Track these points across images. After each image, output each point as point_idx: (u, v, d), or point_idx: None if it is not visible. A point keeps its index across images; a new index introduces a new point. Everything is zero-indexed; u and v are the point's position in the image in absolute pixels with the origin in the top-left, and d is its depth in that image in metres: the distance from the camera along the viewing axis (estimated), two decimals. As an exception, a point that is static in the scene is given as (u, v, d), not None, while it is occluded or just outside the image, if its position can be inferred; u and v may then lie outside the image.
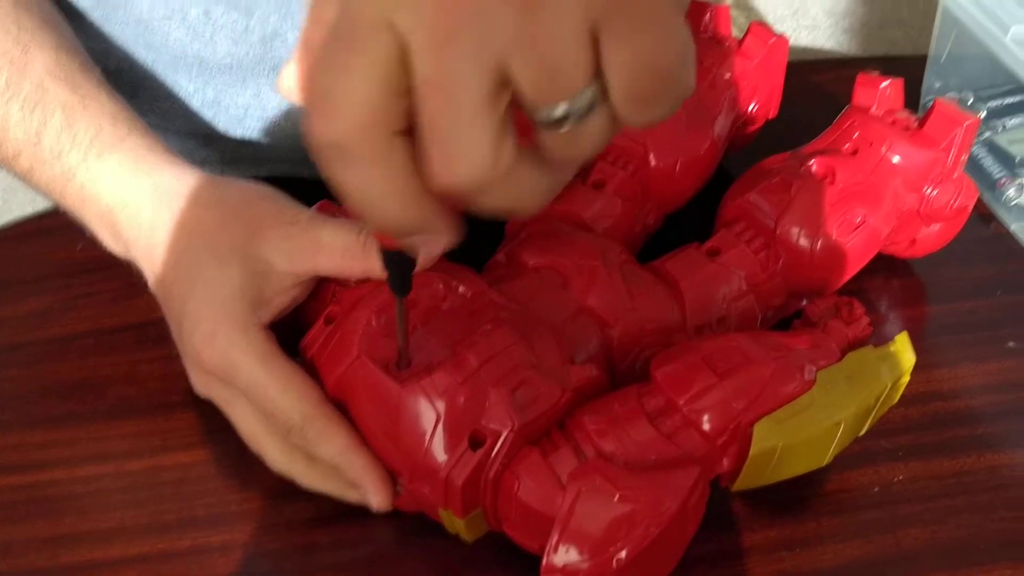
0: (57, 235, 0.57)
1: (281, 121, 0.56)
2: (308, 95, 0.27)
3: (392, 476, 0.41)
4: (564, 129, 0.26)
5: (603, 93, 0.26)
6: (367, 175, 0.27)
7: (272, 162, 0.60)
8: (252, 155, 0.59)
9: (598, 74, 0.26)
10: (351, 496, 0.42)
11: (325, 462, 0.41)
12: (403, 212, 0.27)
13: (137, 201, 0.44)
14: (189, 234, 0.43)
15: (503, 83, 0.25)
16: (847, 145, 0.47)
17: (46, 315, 0.54)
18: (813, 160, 0.46)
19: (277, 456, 0.43)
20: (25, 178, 0.47)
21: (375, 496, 0.40)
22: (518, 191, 0.27)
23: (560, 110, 0.26)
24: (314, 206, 0.47)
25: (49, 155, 0.45)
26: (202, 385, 0.44)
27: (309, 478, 0.43)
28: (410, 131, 0.27)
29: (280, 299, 0.43)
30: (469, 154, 0.26)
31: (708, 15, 0.54)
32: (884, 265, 0.51)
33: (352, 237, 0.41)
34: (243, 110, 0.56)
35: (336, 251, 0.42)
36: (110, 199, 0.44)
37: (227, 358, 0.41)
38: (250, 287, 0.42)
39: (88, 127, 0.45)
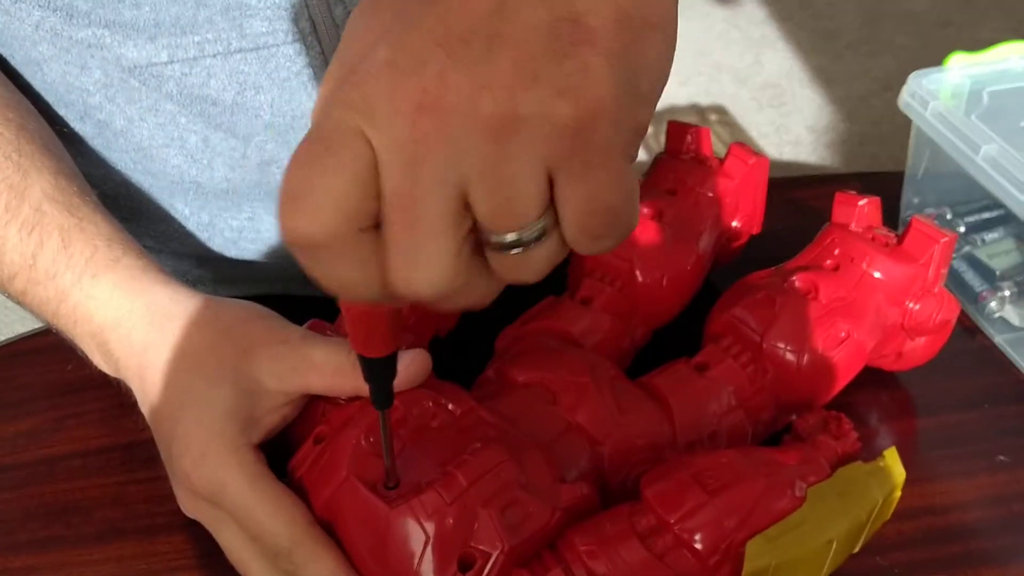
0: (46, 355, 0.57)
1: (274, 243, 0.57)
2: (283, 190, 0.28)
3: None
4: (513, 253, 0.28)
5: (554, 222, 0.28)
6: (336, 266, 0.28)
7: (265, 281, 0.60)
8: (246, 275, 0.60)
9: (550, 206, 0.27)
10: None
11: None
12: (372, 296, 0.29)
13: (129, 321, 0.45)
14: (180, 355, 0.43)
15: (466, 205, 0.27)
16: (828, 261, 0.48)
17: (33, 436, 0.54)
18: (796, 276, 0.47)
19: None
20: (19, 299, 0.48)
21: None
22: (469, 298, 0.29)
23: (511, 237, 0.27)
24: (305, 324, 0.47)
25: (44, 276, 0.45)
26: (190, 507, 0.44)
27: None
28: (377, 226, 0.28)
29: (270, 418, 0.43)
30: (428, 269, 0.27)
31: (690, 136, 0.55)
32: (872, 378, 0.52)
33: (343, 356, 0.42)
34: (237, 233, 0.57)
35: (327, 370, 0.42)
36: (102, 319, 0.45)
37: (216, 479, 0.41)
38: (240, 407, 0.42)
39: (84, 249, 0.45)
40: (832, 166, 1.63)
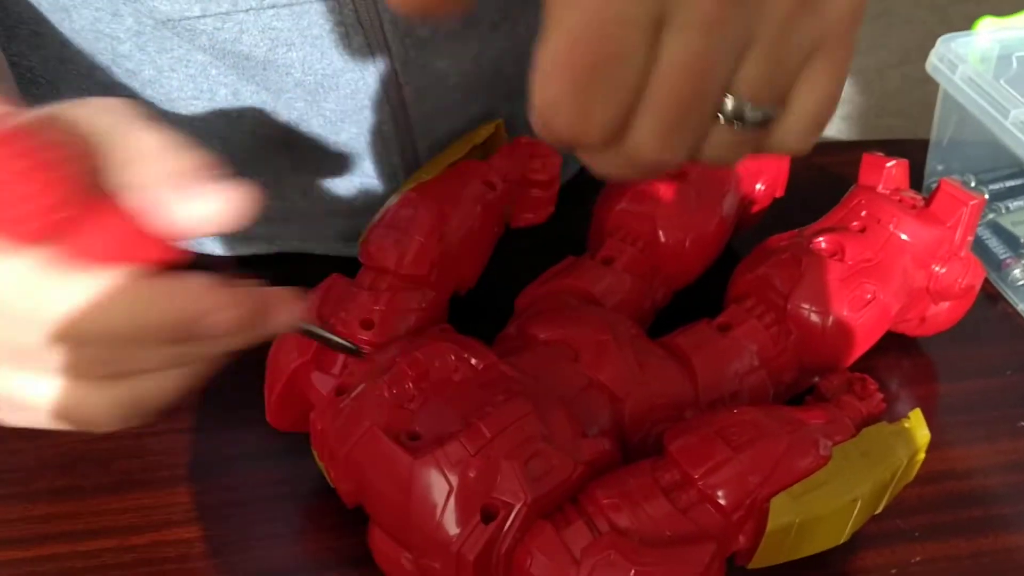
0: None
1: (297, 202, 0.57)
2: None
3: None
4: (746, 128, 0.28)
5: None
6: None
7: (284, 239, 0.60)
8: (266, 233, 0.59)
9: None
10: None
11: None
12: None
13: None
14: None
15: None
16: (855, 223, 0.48)
17: (51, 388, 0.54)
18: (822, 237, 0.47)
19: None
20: None
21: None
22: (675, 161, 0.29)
23: (756, 112, 0.28)
24: (325, 279, 0.47)
25: None
26: None
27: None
28: None
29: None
30: (690, 131, 0.27)
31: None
32: (894, 344, 0.51)
33: None
34: (262, 189, 0.56)
35: None
36: None
37: None
38: None
39: None
40: (848, 139, 1.62)
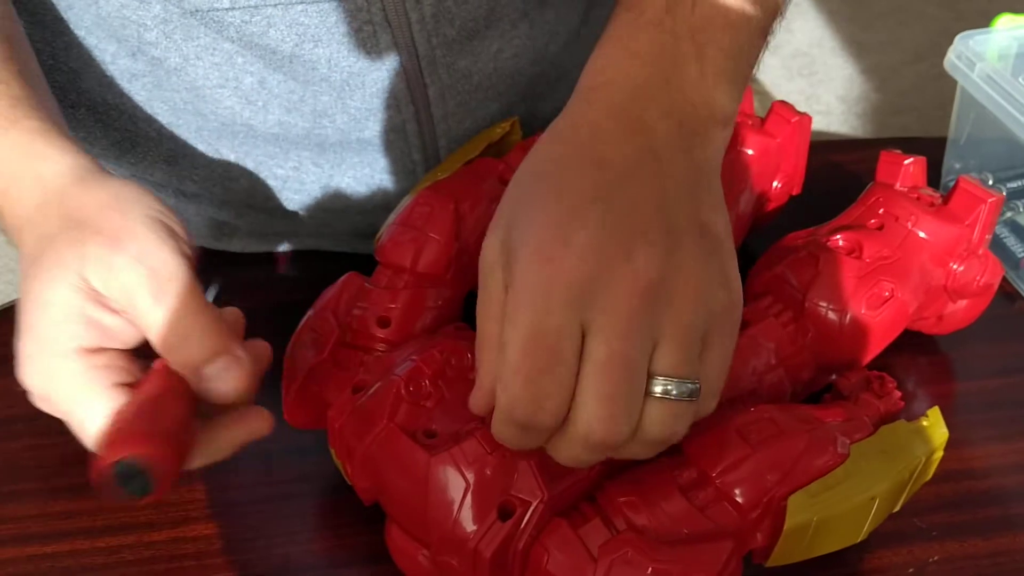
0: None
1: (318, 195, 0.57)
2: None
3: None
4: (674, 400, 0.34)
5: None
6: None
7: (301, 236, 0.60)
8: (284, 228, 0.59)
9: None
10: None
11: None
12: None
13: (16, 191, 0.41)
14: (49, 230, 0.40)
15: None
16: (873, 220, 0.48)
17: (70, 385, 0.54)
18: (840, 234, 0.46)
19: None
20: None
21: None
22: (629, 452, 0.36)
23: (683, 387, 0.34)
24: (342, 277, 0.47)
25: None
26: (36, 402, 0.40)
27: None
28: None
29: (111, 321, 0.39)
30: (629, 416, 0.35)
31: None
32: (911, 342, 0.51)
33: (177, 320, 0.38)
34: (282, 182, 0.56)
35: (149, 323, 0.38)
36: None
37: (44, 385, 0.38)
38: (79, 312, 0.38)
39: None
40: (863, 136, 1.61)
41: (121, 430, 0.35)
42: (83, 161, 0.42)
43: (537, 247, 0.35)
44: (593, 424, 0.34)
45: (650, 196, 0.36)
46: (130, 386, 0.39)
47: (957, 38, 0.59)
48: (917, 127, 1.54)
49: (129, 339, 0.40)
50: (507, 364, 0.34)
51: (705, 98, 0.39)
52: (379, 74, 0.51)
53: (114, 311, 0.39)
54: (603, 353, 0.33)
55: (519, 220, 0.36)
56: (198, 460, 0.39)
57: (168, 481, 0.35)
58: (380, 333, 0.44)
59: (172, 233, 0.40)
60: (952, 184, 0.48)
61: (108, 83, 0.53)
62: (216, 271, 0.60)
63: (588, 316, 0.34)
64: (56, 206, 0.40)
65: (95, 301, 0.38)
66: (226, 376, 0.38)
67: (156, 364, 0.39)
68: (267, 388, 0.48)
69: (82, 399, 0.38)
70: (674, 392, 0.34)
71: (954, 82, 0.59)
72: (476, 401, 0.37)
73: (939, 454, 0.41)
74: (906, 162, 0.49)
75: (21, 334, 0.39)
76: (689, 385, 0.35)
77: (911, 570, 0.43)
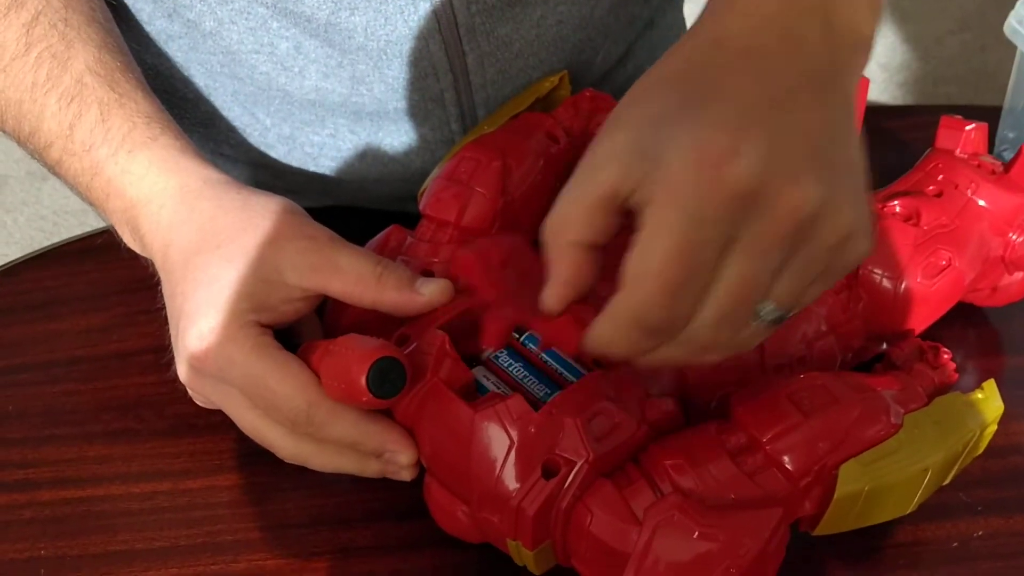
0: (117, 252, 0.57)
1: (353, 161, 0.56)
2: None
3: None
4: (767, 325, 0.35)
5: None
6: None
7: (337, 195, 0.60)
8: (320, 189, 0.59)
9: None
10: (371, 468, 0.41)
11: (337, 441, 0.41)
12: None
13: (160, 199, 0.44)
14: (203, 236, 0.43)
15: None
16: (931, 187, 0.46)
17: (106, 331, 0.54)
18: (897, 200, 0.45)
19: (284, 444, 0.42)
20: (54, 168, 0.47)
21: (404, 454, 0.40)
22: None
23: (779, 312, 0.35)
24: (386, 229, 0.47)
25: (80, 148, 0.45)
26: (195, 384, 0.44)
27: (321, 459, 0.42)
28: None
29: (284, 308, 0.42)
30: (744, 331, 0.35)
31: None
32: (961, 314, 0.50)
33: (368, 267, 0.41)
34: (318, 149, 0.56)
35: (350, 277, 0.41)
36: (134, 195, 0.44)
37: (223, 353, 0.41)
38: (255, 292, 0.41)
39: (122, 124, 0.45)
40: (905, 106, 1.58)
41: (363, 344, 0.39)
42: (224, 177, 0.45)
43: (701, 150, 0.32)
44: (703, 334, 0.34)
45: (817, 123, 0.34)
46: None
47: (1020, 2, 0.57)
48: (960, 97, 1.51)
49: (292, 319, 0.43)
50: (649, 267, 0.32)
51: (851, 22, 0.36)
52: (417, 43, 0.50)
53: (285, 298, 0.42)
54: (740, 273, 0.33)
55: (669, 119, 0.33)
56: None
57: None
58: (422, 287, 0.44)
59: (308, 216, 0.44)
60: (1005, 153, 0.47)
61: (146, 43, 0.53)
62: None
63: (737, 231, 0.32)
64: (216, 208, 0.43)
65: (271, 286, 0.41)
66: (432, 289, 0.41)
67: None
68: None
69: (272, 368, 0.40)
70: (770, 319, 0.34)
71: (1000, 53, 0.57)
72: (552, 298, 0.37)
73: (993, 428, 0.40)
74: (967, 128, 0.47)
75: (190, 306, 0.42)
76: (785, 315, 0.35)
77: (955, 544, 0.43)
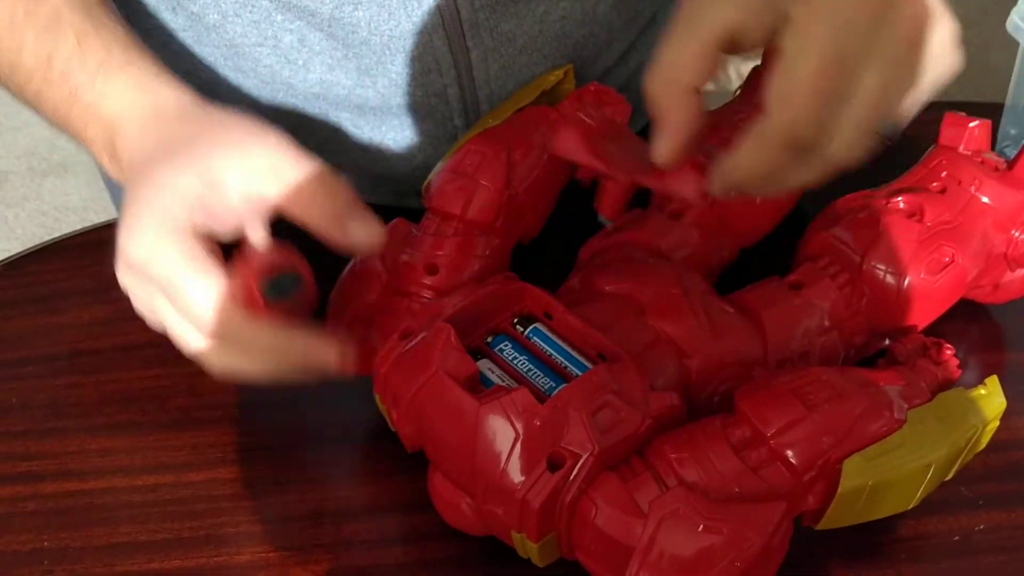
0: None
1: (358, 156, 0.56)
2: None
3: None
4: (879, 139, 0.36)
5: None
6: None
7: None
8: None
9: None
10: (294, 358, 0.41)
11: (257, 350, 0.41)
12: None
13: (134, 118, 0.44)
14: (161, 146, 0.43)
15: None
16: (935, 184, 0.46)
17: (108, 324, 0.54)
18: (900, 196, 0.45)
19: (206, 352, 0.42)
20: (34, 103, 0.47)
21: (330, 349, 0.40)
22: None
23: (892, 129, 0.37)
24: (389, 224, 0.46)
25: (59, 77, 0.45)
26: (124, 279, 0.43)
27: (241, 365, 0.42)
28: None
29: (225, 216, 0.41)
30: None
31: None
32: (963, 310, 0.50)
33: (317, 184, 0.41)
34: (321, 142, 0.56)
35: (298, 193, 0.41)
36: (109, 114, 0.44)
37: (151, 252, 0.40)
38: (198, 196, 0.41)
39: (98, 51, 0.45)
40: (905, 105, 1.58)
41: (266, 253, 0.40)
42: (197, 99, 0.45)
43: None
44: (842, 150, 0.35)
45: None
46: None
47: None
48: (961, 96, 1.51)
49: (229, 231, 0.42)
50: (800, 82, 0.34)
51: None
52: (420, 38, 0.50)
53: (227, 204, 0.41)
54: (879, 83, 0.34)
55: None
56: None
57: (310, 291, 0.41)
58: (428, 280, 0.44)
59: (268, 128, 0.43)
60: (1007, 150, 0.47)
61: (150, 37, 0.53)
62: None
63: (873, 45, 0.34)
64: (180, 122, 0.43)
65: (214, 190, 0.41)
66: (362, 229, 0.41)
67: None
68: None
69: (189, 269, 0.40)
70: (887, 133, 0.37)
71: (1003, 50, 0.57)
72: (667, 147, 0.38)
73: (995, 424, 0.40)
74: (971, 125, 0.47)
75: (133, 208, 0.42)
76: (900, 129, 0.39)
77: (956, 538, 0.43)
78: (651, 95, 0.37)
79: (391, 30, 0.49)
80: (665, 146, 0.38)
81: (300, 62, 0.52)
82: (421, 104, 0.53)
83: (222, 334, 0.40)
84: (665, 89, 0.37)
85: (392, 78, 0.52)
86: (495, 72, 0.53)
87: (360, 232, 0.41)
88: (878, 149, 0.37)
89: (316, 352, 0.40)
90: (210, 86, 0.54)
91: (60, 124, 0.47)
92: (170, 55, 0.53)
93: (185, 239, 0.40)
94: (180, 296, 0.40)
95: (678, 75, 0.36)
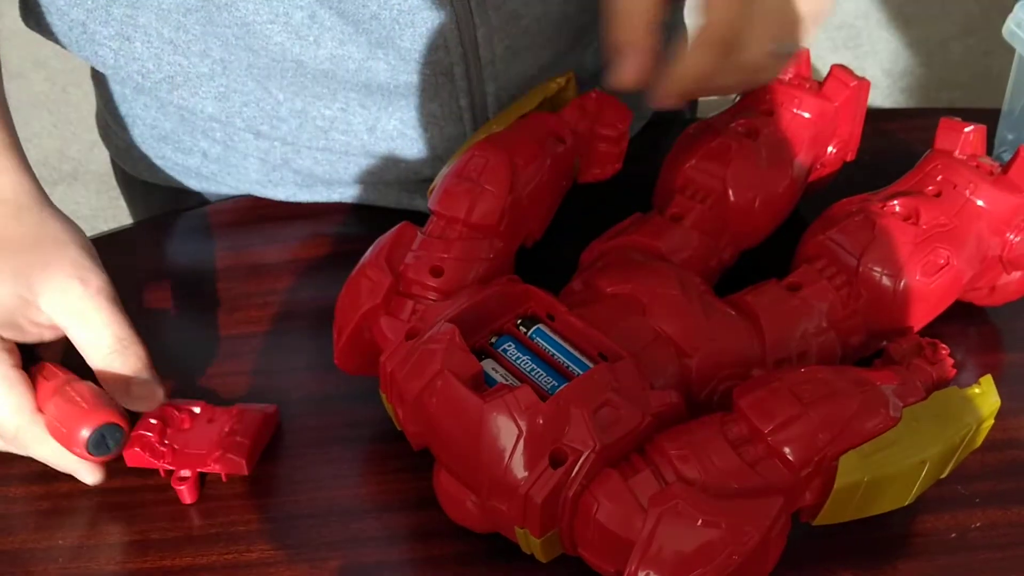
0: (117, 255, 0.58)
1: (364, 137, 0.57)
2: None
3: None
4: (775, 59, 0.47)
5: None
6: None
7: (345, 185, 0.60)
8: (327, 176, 0.60)
9: None
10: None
11: (39, 458, 0.47)
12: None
13: None
14: None
15: None
16: (930, 187, 0.47)
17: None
18: (897, 200, 0.46)
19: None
20: None
21: (89, 478, 0.46)
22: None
23: (789, 46, 0.46)
24: (396, 226, 0.47)
25: None
26: None
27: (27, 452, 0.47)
28: None
29: (30, 329, 0.47)
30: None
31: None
32: (961, 312, 0.51)
33: (108, 339, 0.46)
34: (329, 122, 0.56)
35: (90, 337, 0.46)
36: None
37: None
38: (8, 305, 0.46)
39: None
40: (905, 108, 1.59)
41: (93, 405, 0.45)
42: (39, 197, 0.49)
43: None
44: (756, 56, 0.45)
45: None
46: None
47: (1017, 5, 0.57)
48: (963, 103, 1.52)
49: (34, 340, 0.48)
50: None
51: None
52: (430, 13, 0.51)
53: (34, 323, 0.47)
54: (776, 7, 0.44)
55: None
56: None
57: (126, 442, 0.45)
58: (432, 282, 0.45)
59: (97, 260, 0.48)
60: (1005, 156, 0.48)
61: (163, 17, 0.54)
62: (265, 222, 0.60)
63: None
64: (16, 222, 0.48)
65: (26, 310, 0.46)
66: (147, 398, 0.47)
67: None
68: (319, 334, 0.49)
69: None
70: (786, 51, 0.47)
71: (1004, 57, 0.57)
72: (633, 68, 0.45)
73: (989, 422, 0.41)
74: (966, 129, 0.48)
75: None
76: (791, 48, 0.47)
77: (953, 535, 0.44)
78: (611, 26, 0.44)
79: (400, 4, 0.51)
80: (629, 69, 0.45)
81: (311, 38, 0.52)
82: (428, 82, 0.54)
83: (13, 445, 0.46)
84: (628, 22, 0.44)
85: (401, 54, 0.53)
86: (500, 52, 0.54)
87: (141, 394, 0.46)
88: (780, 65, 0.47)
89: (80, 472, 0.46)
90: (220, 67, 0.55)
91: None
92: (183, 36, 0.54)
93: None
94: None
95: (641, 9, 0.44)
